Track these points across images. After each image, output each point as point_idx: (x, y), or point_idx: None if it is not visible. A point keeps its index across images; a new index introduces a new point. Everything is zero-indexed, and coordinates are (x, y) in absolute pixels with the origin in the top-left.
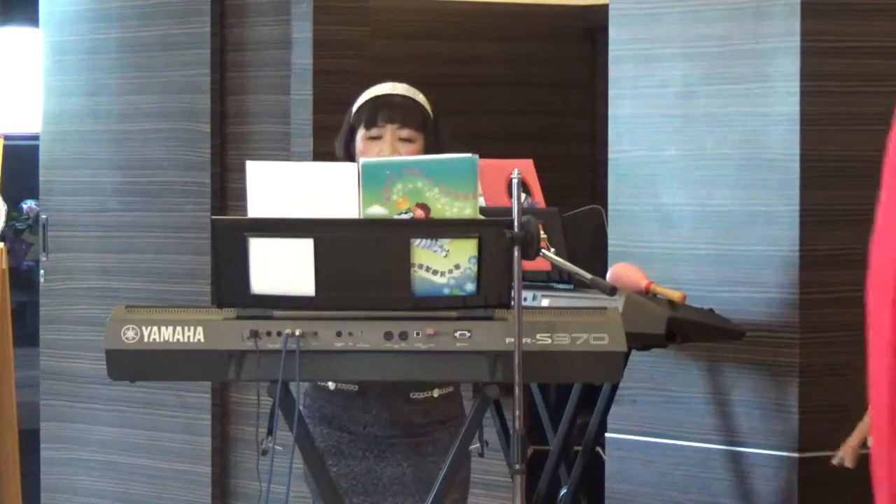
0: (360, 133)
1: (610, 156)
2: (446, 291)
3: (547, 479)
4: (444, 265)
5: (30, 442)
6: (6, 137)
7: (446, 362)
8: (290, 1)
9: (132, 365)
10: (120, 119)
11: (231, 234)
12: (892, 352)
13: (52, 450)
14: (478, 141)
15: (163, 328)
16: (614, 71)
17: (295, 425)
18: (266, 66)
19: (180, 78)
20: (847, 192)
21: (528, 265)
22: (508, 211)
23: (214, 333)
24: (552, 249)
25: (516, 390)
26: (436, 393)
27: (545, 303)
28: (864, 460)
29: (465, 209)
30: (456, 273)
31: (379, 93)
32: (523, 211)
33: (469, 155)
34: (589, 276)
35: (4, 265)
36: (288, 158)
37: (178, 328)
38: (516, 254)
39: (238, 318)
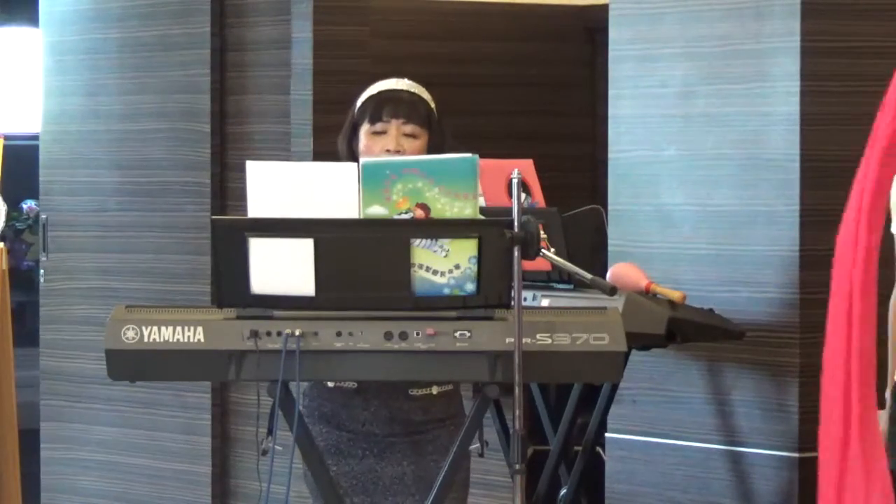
0: (365, 128)
1: (610, 156)
2: (446, 291)
3: (547, 479)
4: (444, 265)
5: (30, 442)
6: (6, 137)
7: (446, 362)
8: (290, 1)
9: (132, 365)
10: (120, 119)
11: (231, 234)
12: (846, 363)
13: (52, 450)
14: (478, 141)
15: (163, 328)
16: (614, 71)
17: (295, 425)
18: (266, 66)
19: (180, 78)
20: (847, 192)
21: (528, 265)
22: (508, 211)
23: (214, 333)
24: (552, 249)
25: (516, 390)
26: (435, 390)
27: (545, 303)
28: None
29: (465, 209)
30: (456, 273)
31: (384, 88)
32: (523, 211)
33: (469, 155)
34: (589, 276)
35: (4, 265)
36: (288, 158)
37: (178, 328)
38: (516, 254)
39: (238, 318)
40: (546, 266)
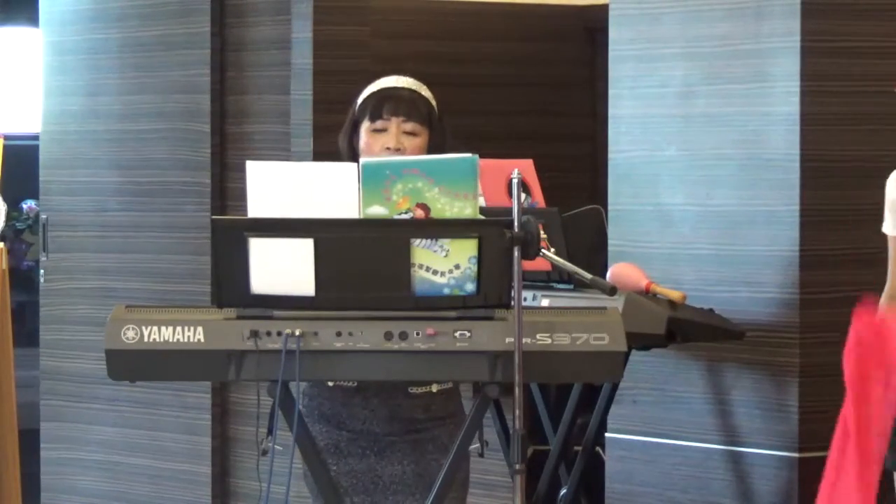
0: (365, 125)
1: (610, 156)
2: (446, 291)
3: (547, 479)
4: (444, 265)
5: (30, 442)
6: (6, 137)
7: (446, 362)
8: (290, 1)
9: (132, 365)
10: (120, 119)
11: (231, 234)
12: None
13: (52, 450)
14: (478, 141)
15: (163, 328)
16: (614, 71)
17: (295, 425)
18: (266, 66)
19: (180, 78)
20: (847, 192)
21: (528, 265)
22: (508, 211)
23: (214, 333)
24: (552, 249)
25: (516, 390)
26: (434, 388)
27: (545, 303)
28: None
29: (465, 209)
30: (456, 273)
31: (385, 85)
32: (523, 211)
33: (469, 155)
34: (589, 276)
35: (4, 265)
36: (288, 158)
37: (178, 328)
38: (516, 254)
39: (238, 318)
40: (546, 266)
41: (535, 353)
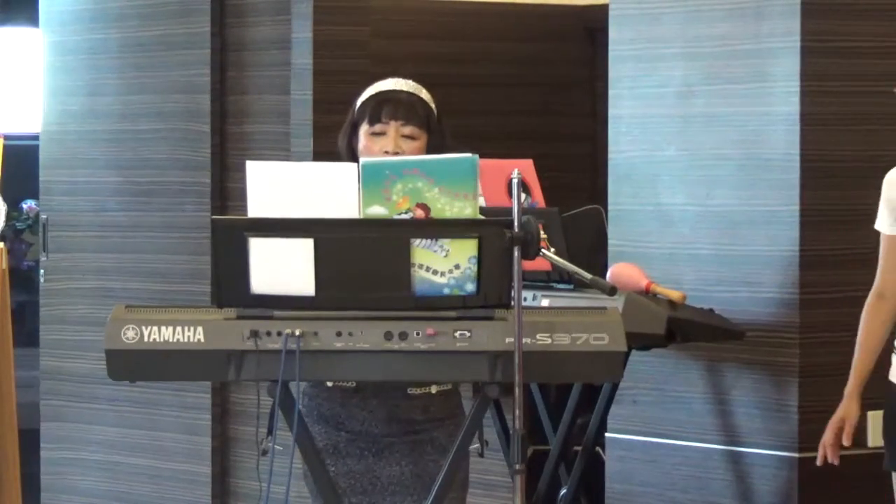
0: (364, 128)
1: (610, 156)
2: (446, 291)
3: (547, 479)
4: (444, 265)
5: (30, 442)
6: (6, 137)
7: (446, 362)
8: (290, 1)
9: (132, 365)
10: (120, 119)
11: (231, 234)
12: None
13: (52, 450)
14: (478, 141)
15: (163, 328)
16: (614, 71)
17: (295, 425)
18: (266, 66)
19: (180, 78)
20: (847, 192)
21: (528, 265)
22: (508, 211)
23: (214, 333)
24: (552, 249)
25: (516, 390)
26: (433, 389)
27: (545, 303)
28: (861, 461)
29: (465, 209)
30: (456, 273)
31: (383, 88)
32: (523, 211)
33: (469, 155)
34: (589, 276)
35: (4, 265)
36: (288, 158)
37: (178, 328)
38: (516, 254)
39: (238, 318)
40: (546, 266)
41: (535, 353)
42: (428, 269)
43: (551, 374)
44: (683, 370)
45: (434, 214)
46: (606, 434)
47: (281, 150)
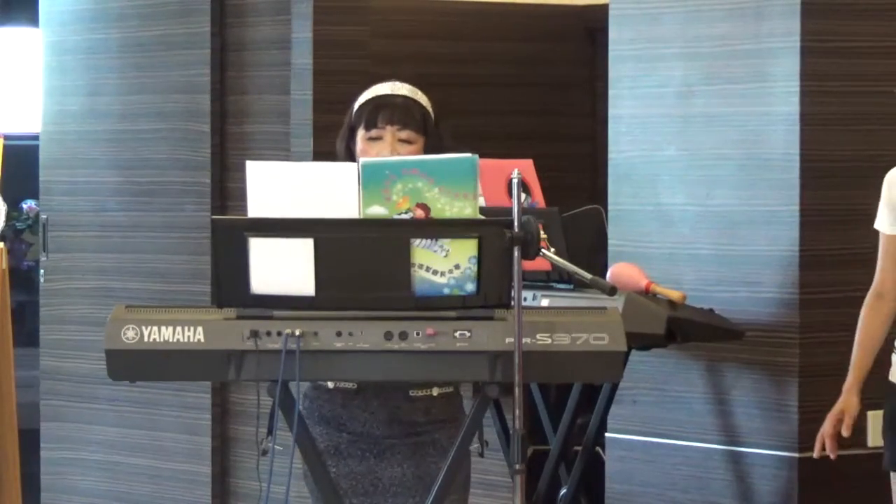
0: (360, 133)
1: (610, 156)
2: (446, 291)
3: (547, 479)
4: (444, 265)
5: (30, 442)
6: (6, 137)
7: (446, 362)
8: (290, 1)
9: (132, 365)
10: (120, 119)
11: (231, 234)
12: None
13: (52, 450)
14: (478, 141)
15: (163, 328)
16: (614, 71)
17: (295, 425)
18: (266, 66)
19: (180, 78)
20: (847, 192)
21: (528, 265)
22: (508, 211)
23: (214, 333)
24: (552, 249)
25: (516, 390)
26: (435, 391)
27: (545, 303)
28: (860, 460)
29: (465, 209)
30: (456, 273)
31: (380, 93)
32: (523, 211)
33: (469, 155)
34: (589, 276)
35: (4, 265)
36: (288, 158)
37: (178, 328)
38: (516, 254)
39: (238, 318)
40: (546, 266)
41: (535, 353)
42: (428, 269)
43: (551, 374)
44: (683, 370)
45: (434, 214)
46: (606, 434)
47: (281, 150)
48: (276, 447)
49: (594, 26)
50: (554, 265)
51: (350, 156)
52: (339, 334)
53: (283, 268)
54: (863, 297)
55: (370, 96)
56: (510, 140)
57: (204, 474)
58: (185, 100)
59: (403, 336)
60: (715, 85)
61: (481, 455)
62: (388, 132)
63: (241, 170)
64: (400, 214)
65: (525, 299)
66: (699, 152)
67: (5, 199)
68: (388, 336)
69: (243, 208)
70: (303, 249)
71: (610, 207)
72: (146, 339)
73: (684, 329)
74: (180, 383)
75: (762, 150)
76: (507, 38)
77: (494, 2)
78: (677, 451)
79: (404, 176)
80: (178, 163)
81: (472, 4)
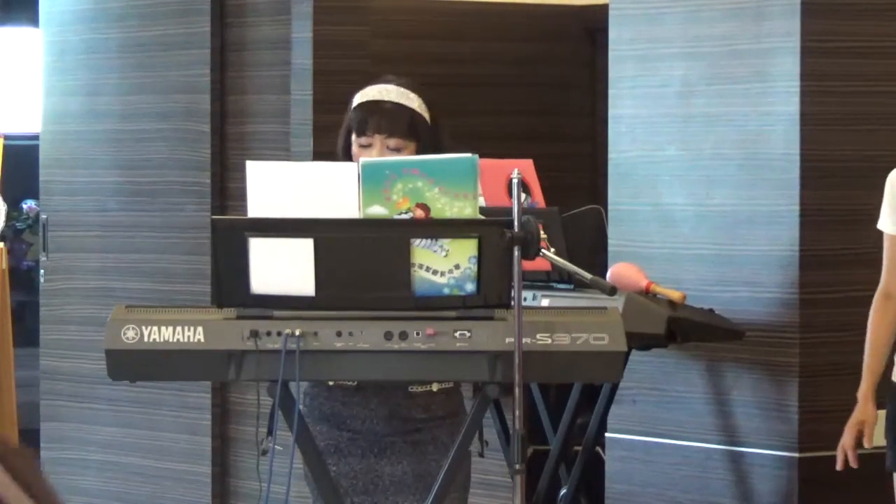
0: (353, 137)
1: (610, 156)
2: (446, 291)
3: (547, 479)
4: (444, 265)
5: (30, 442)
6: (6, 137)
7: (446, 362)
8: (290, 1)
9: (132, 365)
10: (120, 119)
11: (231, 234)
12: None
13: (52, 450)
14: (478, 141)
15: (163, 328)
16: (614, 71)
17: (295, 425)
18: (266, 66)
19: (180, 78)
20: (847, 192)
21: (528, 265)
22: (508, 211)
23: (214, 333)
24: (552, 249)
25: (516, 390)
26: (435, 387)
27: (545, 303)
28: (863, 460)
29: (465, 209)
30: (456, 273)
31: (369, 98)
32: (523, 211)
33: (469, 155)
34: (589, 276)
35: (4, 265)
36: (288, 158)
37: (178, 328)
38: (516, 254)
39: (238, 318)
40: (546, 266)
41: (535, 353)
42: (428, 269)
43: (551, 374)
44: (683, 370)
45: (434, 214)
46: (606, 434)
47: (281, 150)
48: (276, 447)
49: (594, 26)
50: (554, 265)
51: (348, 156)
52: (339, 334)
53: (283, 268)
54: (863, 297)
55: (360, 101)
56: (510, 140)
57: (204, 474)
58: (185, 100)
59: (403, 336)
60: (715, 85)
61: (481, 455)
62: (377, 140)
63: (241, 170)
64: (400, 214)
65: (525, 299)
66: (699, 152)
67: (5, 199)
68: (388, 336)
69: (243, 208)
70: (303, 249)
71: (610, 207)
72: (146, 339)
73: (684, 329)
74: (180, 383)
75: (762, 150)
76: (507, 38)
77: (494, 2)
78: (677, 451)
79: (404, 176)
80: (178, 163)
81: (472, 4)
